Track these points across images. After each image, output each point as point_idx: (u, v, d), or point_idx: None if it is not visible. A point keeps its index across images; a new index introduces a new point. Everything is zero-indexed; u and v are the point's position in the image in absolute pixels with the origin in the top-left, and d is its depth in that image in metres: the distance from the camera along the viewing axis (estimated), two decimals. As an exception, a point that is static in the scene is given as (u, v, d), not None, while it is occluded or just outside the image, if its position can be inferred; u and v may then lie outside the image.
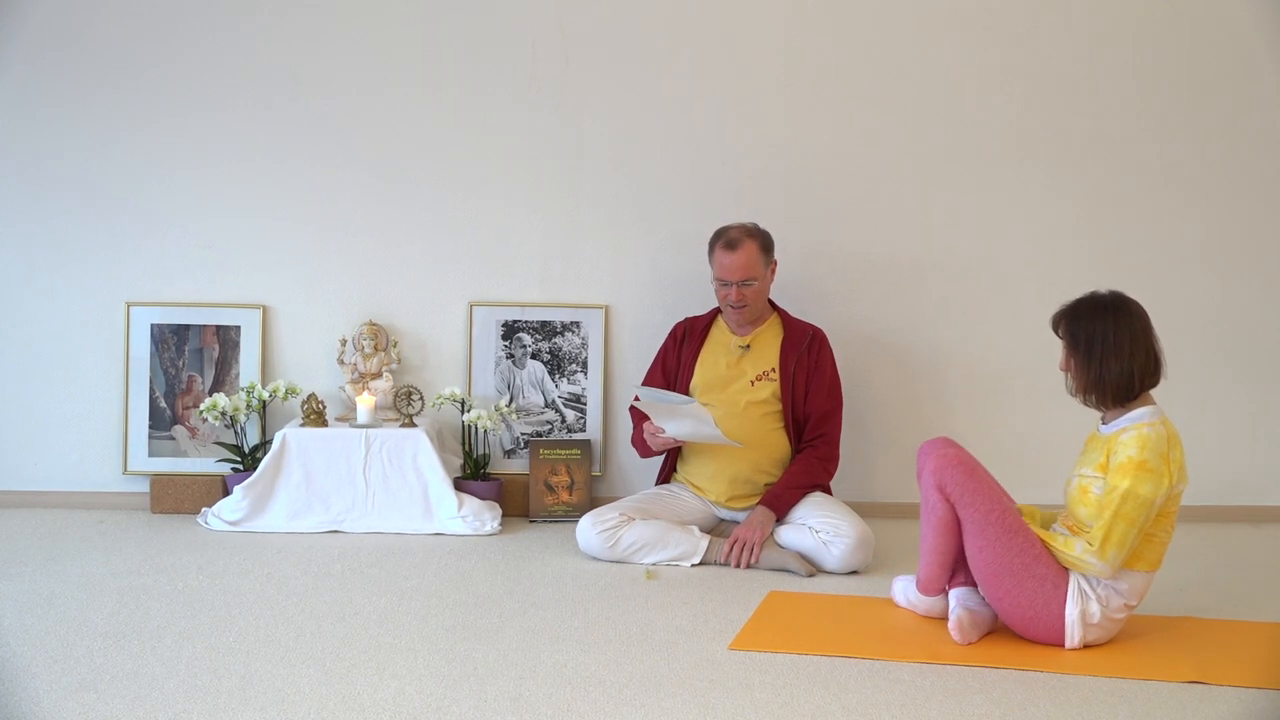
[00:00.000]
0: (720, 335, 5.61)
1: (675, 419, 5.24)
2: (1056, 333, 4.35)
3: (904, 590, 4.62)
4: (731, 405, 5.46)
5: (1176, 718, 3.68)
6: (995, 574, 4.23)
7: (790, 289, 5.92)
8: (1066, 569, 4.24)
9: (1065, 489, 4.39)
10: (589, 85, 6.12)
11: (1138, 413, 4.22)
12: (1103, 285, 5.73)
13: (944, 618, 4.45)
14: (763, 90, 6.16)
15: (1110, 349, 4.22)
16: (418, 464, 5.69)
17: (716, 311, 5.67)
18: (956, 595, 4.44)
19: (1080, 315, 4.30)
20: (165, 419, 6.04)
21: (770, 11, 6.13)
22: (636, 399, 5.40)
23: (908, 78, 6.19)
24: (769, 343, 5.57)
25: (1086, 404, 4.32)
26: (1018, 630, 4.31)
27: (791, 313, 5.72)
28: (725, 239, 5.45)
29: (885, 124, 6.19)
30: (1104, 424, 4.33)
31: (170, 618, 4.38)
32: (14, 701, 3.58)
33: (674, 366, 5.62)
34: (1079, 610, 4.22)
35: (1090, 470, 4.26)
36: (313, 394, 5.83)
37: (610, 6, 6.09)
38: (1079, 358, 4.28)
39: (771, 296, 5.69)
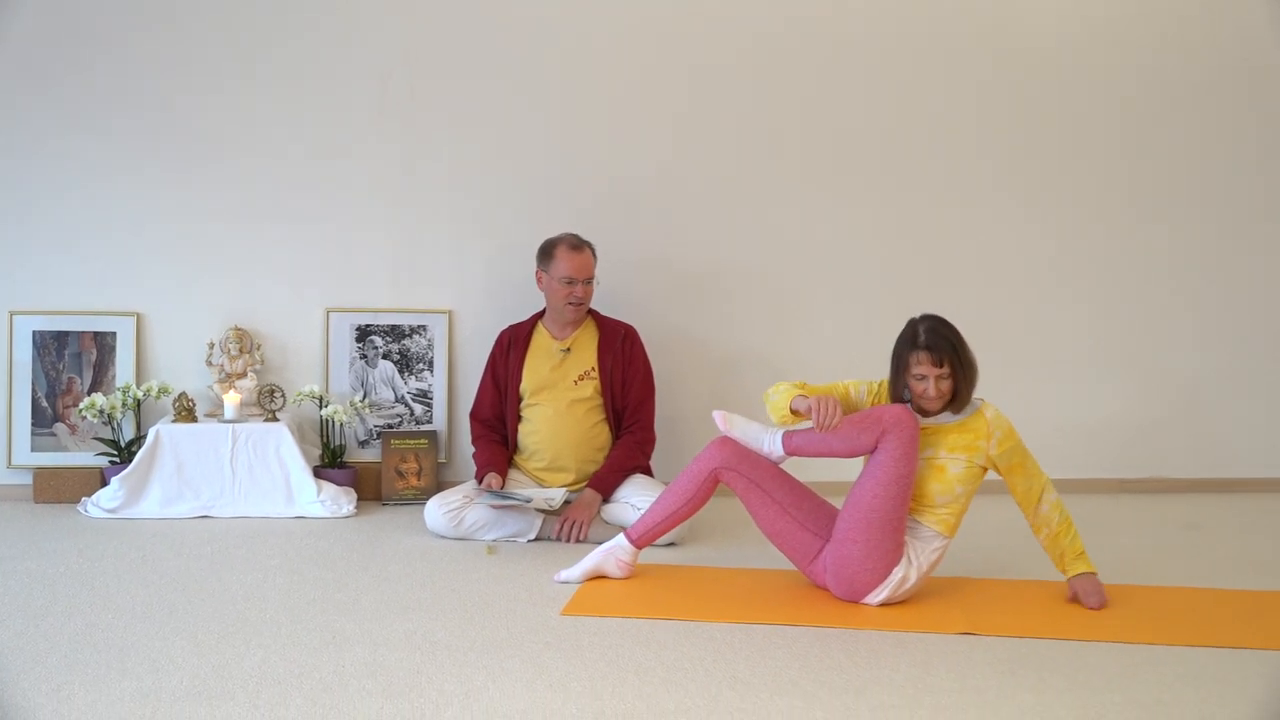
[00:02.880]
0: (542, 340, 5.61)
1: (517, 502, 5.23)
2: (949, 361, 4.33)
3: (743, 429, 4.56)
4: (558, 404, 5.50)
5: (950, 664, 3.80)
6: (869, 519, 4.27)
7: (612, 295, 5.94)
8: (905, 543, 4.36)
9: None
10: (433, 110, 6.10)
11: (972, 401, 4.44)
12: (891, 290, 5.97)
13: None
14: (590, 113, 6.19)
15: (971, 358, 4.40)
16: (280, 454, 5.68)
17: (536, 318, 5.67)
18: (617, 542, 4.65)
19: (958, 338, 4.37)
20: (47, 417, 5.96)
21: (594, 38, 6.17)
22: (487, 489, 5.31)
23: (715, 105, 6.23)
24: (586, 344, 5.59)
25: (948, 409, 4.41)
26: (838, 574, 4.35)
27: (609, 314, 5.74)
28: (570, 241, 5.46)
29: (697, 145, 6.24)
30: (934, 416, 4.43)
31: (53, 598, 4.33)
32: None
33: (503, 374, 5.59)
34: (902, 575, 4.33)
35: (947, 452, 4.38)
36: (183, 393, 5.77)
37: (451, 39, 6.08)
38: (966, 373, 4.36)
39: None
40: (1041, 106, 6.41)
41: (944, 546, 4.45)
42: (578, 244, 5.48)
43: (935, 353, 4.32)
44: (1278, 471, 6.62)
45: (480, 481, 5.39)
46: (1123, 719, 3.42)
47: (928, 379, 4.34)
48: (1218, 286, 6.56)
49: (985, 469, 4.44)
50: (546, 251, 5.52)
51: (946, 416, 4.42)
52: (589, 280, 5.49)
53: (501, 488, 5.30)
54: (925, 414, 4.44)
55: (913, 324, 4.43)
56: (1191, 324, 6.57)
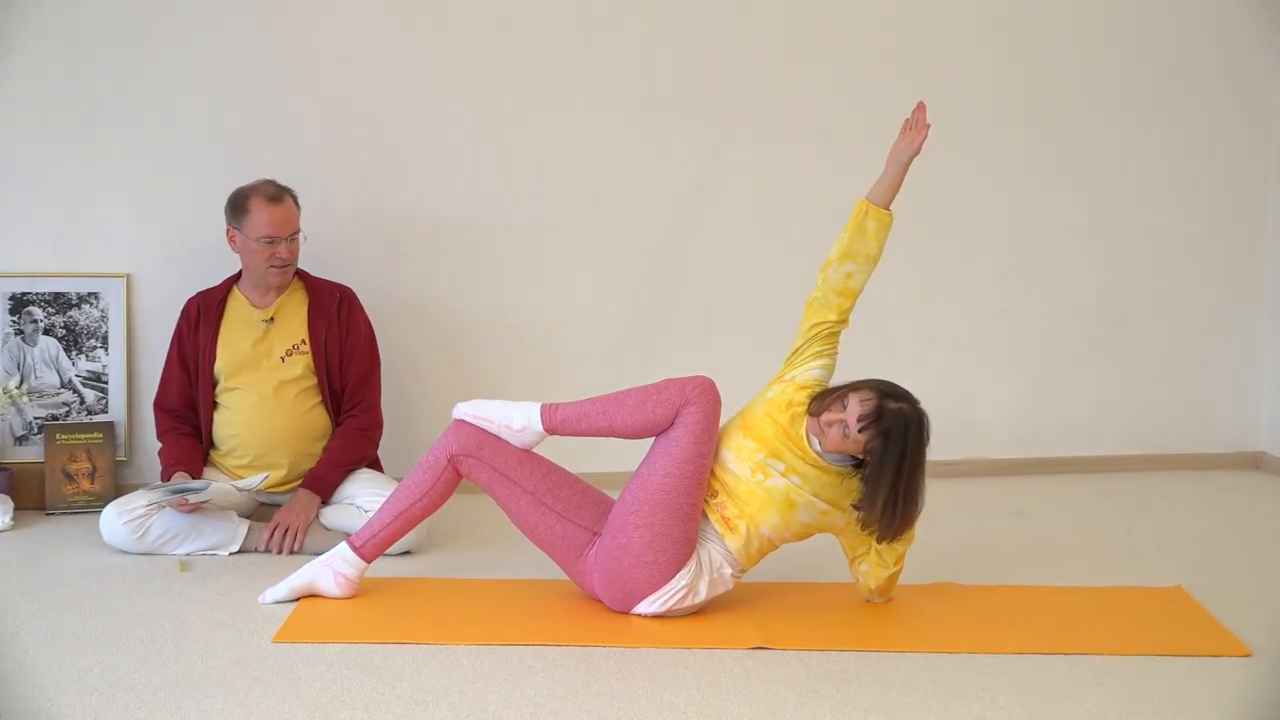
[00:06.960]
0: (239, 308, 5.23)
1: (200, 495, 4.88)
2: (875, 449, 4.07)
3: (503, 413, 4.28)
4: (262, 388, 5.11)
5: (742, 686, 3.67)
6: (657, 501, 4.04)
7: (324, 254, 5.64)
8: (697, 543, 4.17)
9: (739, 477, 4.18)
10: (105, 38, 5.66)
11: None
12: (660, 239, 6.15)
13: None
14: (296, 38, 5.85)
15: (913, 483, 4.17)
16: (-85, 456, 5.21)
17: (231, 282, 5.29)
18: (339, 553, 4.34)
19: (912, 446, 4.11)
20: None
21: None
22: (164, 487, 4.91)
23: (454, 34, 5.97)
24: (294, 311, 5.23)
25: (859, 509, 4.18)
26: (611, 571, 4.13)
27: (324, 276, 5.45)
28: (266, 193, 5.06)
29: (428, 73, 5.99)
30: (825, 452, 4.16)
31: None
32: None
33: (193, 352, 5.20)
34: (687, 583, 4.10)
35: (812, 493, 4.16)
36: None
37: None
38: (893, 488, 4.09)
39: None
40: (802, 66, 6.34)
41: (734, 579, 4.26)
42: (275, 193, 5.08)
43: (875, 426, 4.05)
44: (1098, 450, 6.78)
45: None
46: (939, 742, 3.46)
47: (846, 426, 4.08)
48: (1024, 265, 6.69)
49: (822, 529, 4.27)
50: (238, 204, 5.12)
51: (838, 458, 4.17)
52: (294, 236, 5.13)
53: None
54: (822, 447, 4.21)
55: (898, 392, 4.15)
56: (1000, 298, 6.69)
